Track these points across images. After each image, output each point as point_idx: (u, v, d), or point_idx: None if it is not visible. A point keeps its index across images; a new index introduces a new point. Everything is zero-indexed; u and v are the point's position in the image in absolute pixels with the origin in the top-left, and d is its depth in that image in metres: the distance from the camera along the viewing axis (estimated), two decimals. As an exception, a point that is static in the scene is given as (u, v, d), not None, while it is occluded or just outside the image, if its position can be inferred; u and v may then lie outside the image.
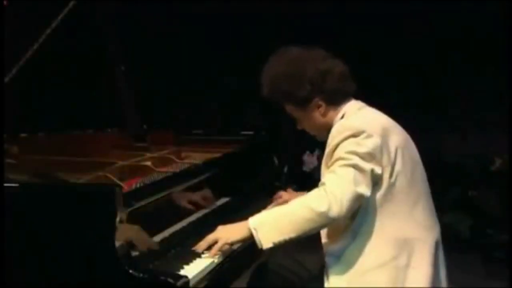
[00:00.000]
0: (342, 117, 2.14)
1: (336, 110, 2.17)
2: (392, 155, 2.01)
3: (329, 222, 1.96)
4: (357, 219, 2.02)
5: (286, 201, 2.42)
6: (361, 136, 1.98)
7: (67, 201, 1.92)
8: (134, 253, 1.94)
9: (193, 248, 2.08)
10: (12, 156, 2.40)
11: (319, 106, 2.16)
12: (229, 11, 5.00)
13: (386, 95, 5.00)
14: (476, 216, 4.53)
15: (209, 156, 2.73)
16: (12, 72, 2.41)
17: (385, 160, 1.99)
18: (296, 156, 5.04)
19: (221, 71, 5.24)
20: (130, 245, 1.93)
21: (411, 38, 4.78)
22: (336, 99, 2.16)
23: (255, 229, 1.97)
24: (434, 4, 4.60)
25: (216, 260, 2.05)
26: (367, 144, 1.97)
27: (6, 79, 2.38)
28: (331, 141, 2.05)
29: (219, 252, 2.05)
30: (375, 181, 1.98)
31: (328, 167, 2.05)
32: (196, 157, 2.76)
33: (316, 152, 4.94)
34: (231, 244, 2.06)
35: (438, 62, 4.84)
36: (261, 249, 1.96)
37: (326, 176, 2.01)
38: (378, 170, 1.97)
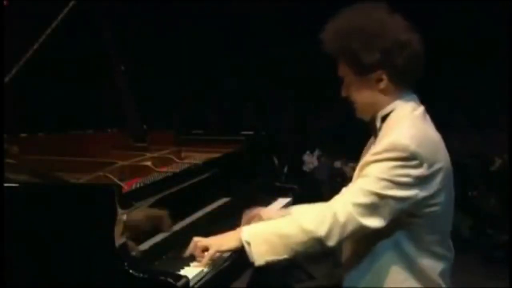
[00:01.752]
0: (388, 114, 1.93)
1: (393, 92, 1.93)
2: (436, 186, 1.85)
3: (323, 249, 1.85)
4: (377, 242, 1.91)
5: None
6: (411, 163, 1.80)
7: (67, 201, 1.92)
8: (134, 253, 1.94)
9: (184, 255, 2.00)
10: (12, 156, 2.40)
11: (380, 80, 1.91)
12: (229, 11, 5.01)
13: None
14: (476, 216, 4.53)
15: (209, 156, 2.73)
16: (12, 72, 2.40)
17: (425, 191, 1.83)
18: (296, 156, 5.04)
19: (222, 71, 5.24)
20: (130, 245, 1.93)
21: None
22: (402, 79, 1.92)
23: (248, 242, 1.86)
24: (435, 3, 4.61)
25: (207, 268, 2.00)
26: (411, 173, 1.80)
27: (6, 79, 2.38)
28: (377, 151, 1.85)
29: (210, 262, 1.96)
30: (404, 210, 1.83)
31: (359, 175, 1.89)
32: (196, 157, 2.76)
33: (316, 152, 4.94)
34: (222, 252, 1.98)
35: (438, 62, 4.84)
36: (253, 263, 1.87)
37: (344, 192, 1.87)
38: (410, 198, 1.81)
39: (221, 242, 1.95)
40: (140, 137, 2.99)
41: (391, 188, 1.80)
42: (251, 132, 3.10)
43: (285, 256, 1.86)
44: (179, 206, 2.31)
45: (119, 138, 2.99)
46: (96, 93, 2.90)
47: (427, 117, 1.99)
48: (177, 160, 2.67)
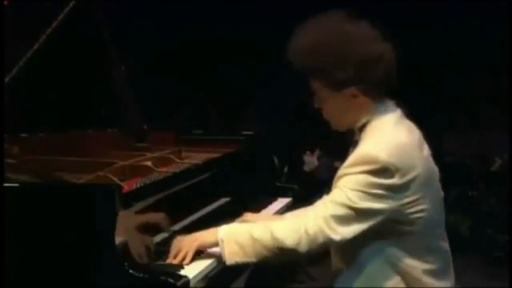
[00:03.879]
0: (365, 124, 1.91)
1: (369, 105, 1.90)
2: (417, 192, 1.84)
3: (292, 258, 1.91)
4: (361, 245, 1.92)
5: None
6: (383, 174, 1.79)
7: (67, 201, 1.92)
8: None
9: (168, 262, 2.00)
10: (12, 156, 2.40)
11: (354, 96, 1.88)
12: (230, 10, 5.01)
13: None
14: (476, 216, 4.53)
15: (209, 156, 2.73)
16: (12, 72, 2.40)
17: (399, 200, 1.82)
18: (296, 156, 5.04)
19: (222, 71, 5.24)
20: (130, 245, 1.92)
21: (411, 37, 4.78)
22: (376, 93, 1.90)
23: (222, 240, 1.91)
24: (435, 3, 4.61)
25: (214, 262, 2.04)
26: (383, 184, 1.80)
27: (6, 79, 2.38)
28: (348, 164, 1.86)
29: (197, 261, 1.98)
30: (382, 219, 1.83)
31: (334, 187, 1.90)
32: (196, 157, 2.76)
33: (317, 152, 4.94)
34: (202, 247, 1.99)
35: (438, 61, 4.84)
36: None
37: (318, 204, 1.89)
38: (382, 209, 1.82)
39: (201, 237, 1.98)
40: (140, 137, 2.99)
41: (362, 200, 1.80)
42: (251, 132, 3.10)
43: (254, 260, 1.89)
44: (179, 206, 2.31)
45: (119, 138, 2.99)
46: (96, 93, 2.90)
47: (405, 121, 1.97)
48: (177, 160, 2.67)
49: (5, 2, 2.51)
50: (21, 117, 2.60)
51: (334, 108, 1.94)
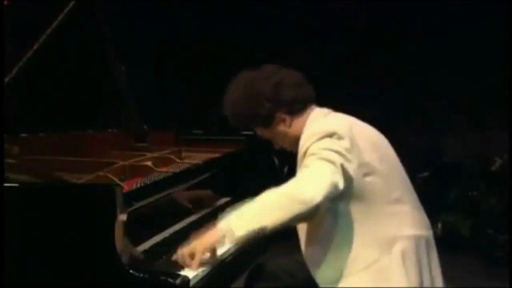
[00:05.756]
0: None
1: (301, 118, 2.17)
2: (363, 157, 2.01)
3: (304, 208, 1.86)
4: (330, 224, 2.01)
5: None
6: (334, 137, 1.98)
7: (67, 201, 1.92)
8: (134, 253, 1.94)
9: (173, 259, 1.99)
10: (12, 156, 2.40)
11: (283, 120, 2.17)
12: (230, 10, 5.01)
13: (387, 95, 5.01)
14: (476, 216, 4.53)
15: (209, 156, 2.73)
16: (12, 72, 2.40)
17: (355, 162, 1.98)
18: (296, 156, 5.03)
19: (222, 71, 5.24)
20: (130, 245, 1.93)
21: (411, 37, 4.78)
22: (297, 108, 2.17)
23: (225, 228, 1.91)
24: (434, 4, 4.62)
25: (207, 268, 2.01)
26: (339, 144, 1.97)
27: (6, 79, 2.38)
28: (303, 145, 2.04)
29: (205, 265, 1.97)
30: (346, 179, 1.94)
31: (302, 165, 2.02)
32: (196, 157, 2.76)
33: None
34: (209, 250, 1.98)
35: (438, 61, 4.85)
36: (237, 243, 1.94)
37: (299, 170, 2.00)
38: (349, 168, 1.95)
39: (203, 242, 1.96)
40: (140, 137, 2.99)
41: (331, 155, 1.93)
42: (251, 132, 3.09)
43: (263, 223, 1.87)
44: (179, 206, 2.32)
45: (120, 138, 2.99)
46: (96, 93, 2.90)
47: (342, 114, 2.19)
48: (177, 160, 2.67)
49: (5, 2, 2.51)
50: (21, 117, 2.60)
51: (281, 138, 2.23)
